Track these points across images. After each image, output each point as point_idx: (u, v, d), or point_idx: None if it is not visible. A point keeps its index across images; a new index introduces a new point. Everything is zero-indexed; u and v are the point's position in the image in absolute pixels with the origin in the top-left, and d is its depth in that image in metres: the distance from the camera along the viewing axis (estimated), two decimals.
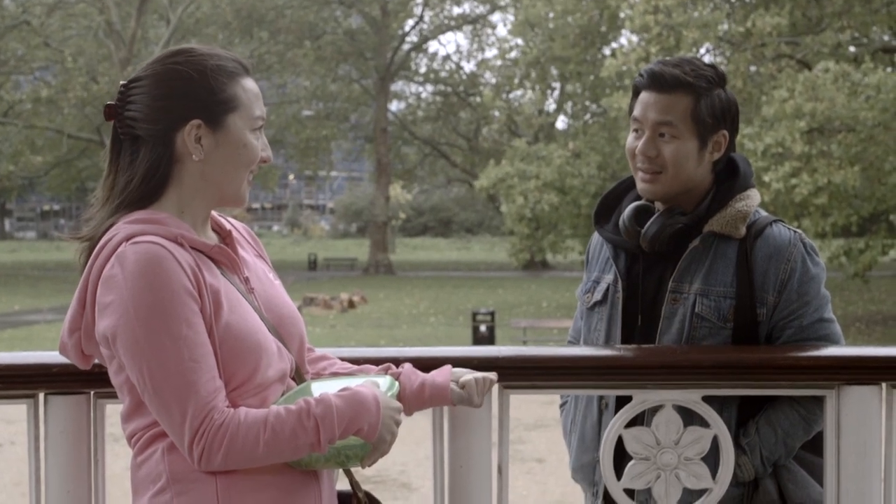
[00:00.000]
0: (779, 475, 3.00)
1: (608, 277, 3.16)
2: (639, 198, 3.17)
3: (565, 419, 3.27)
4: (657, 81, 3.02)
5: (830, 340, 3.00)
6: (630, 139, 3.10)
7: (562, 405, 3.33)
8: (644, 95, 3.06)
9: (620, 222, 3.12)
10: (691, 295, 3.00)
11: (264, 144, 2.47)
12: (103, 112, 2.42)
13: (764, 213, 3.10)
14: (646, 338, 3.06)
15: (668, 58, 3.11)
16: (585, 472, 3.15)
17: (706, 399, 2.86)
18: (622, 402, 2.93)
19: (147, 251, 2.24)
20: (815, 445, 3.00)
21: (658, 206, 3.13)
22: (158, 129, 2.36)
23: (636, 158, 3.07)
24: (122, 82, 2.43)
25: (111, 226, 2.34)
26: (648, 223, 3.05)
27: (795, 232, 3.04)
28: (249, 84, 2.44)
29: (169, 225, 2.33)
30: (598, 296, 3.18)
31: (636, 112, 3.07)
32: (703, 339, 2.98)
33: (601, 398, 3.09)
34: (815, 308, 3.00)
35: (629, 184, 3.24)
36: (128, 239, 2.27)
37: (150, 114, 2.36)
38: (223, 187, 2.42)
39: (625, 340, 3.09)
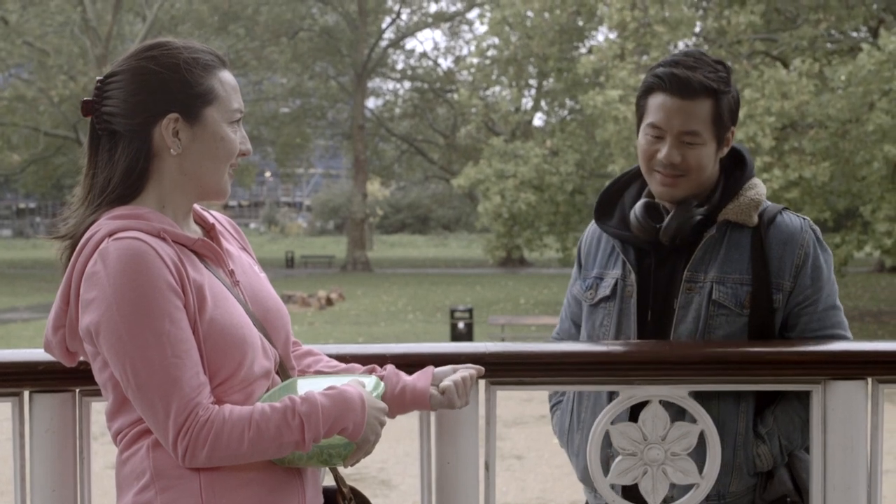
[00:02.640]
0: (792, 464, 3.03)
1: (615, 273, 3.14)
2: (640, 193, 3.17)
3: (561, 420, 3.24)
4: (682, 88, 2.96)
5: (842, 328, 3.03)
6: (645, 142, 3.04)
7: (553, 406, 3.31)
8: (664, 100, 2.99)
9: (633, 218, 3.09)
10: (707, 283, 3.00)
11: (243, 137, 2.46)
12: (80, 108, 2.41)
13: (769, 201, 3.11)
14: (659, 332, 3.05)
15: (678, 56, 3.04)
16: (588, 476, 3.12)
17: (707, 393, 2.87)
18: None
19: (129, 247, 2.24)
20: None
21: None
22: (136, 123, 2.35)
23: (655, 163, 3.03)
24: (98, 78, 2.43)
25: (93, 222, 2.33)
26: (668, 218, 3.04)
27: (804, 219, 3.07)
28: (226, 77, 2.44)
29: (151, 220, 2.32)
30: (605, 291, 3.15)
31: (656, 118, 3.01)
32: (719, 328, 2.98)
33: (611, 393, 3.04)
34: (828, 294, 3.02)
35: (628, 179, 3.23)
36: (110, 235, 2.27)
37: (127, 108, 2.36)
38: (203, 181, 2.41)
39: (638, 336, 3.07)
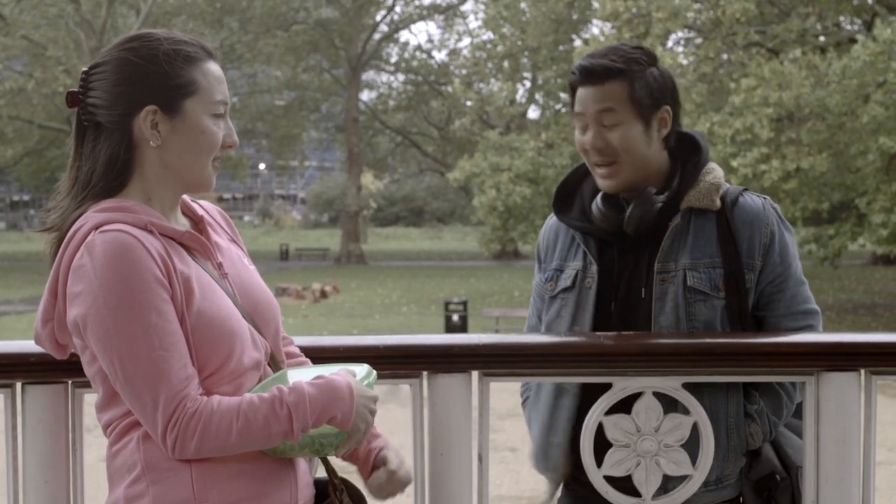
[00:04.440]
0: (775, 442, 3.06)
1: (575, 264, 3.16)
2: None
3: (529, 412, 3.27)
4: (589, 75, 3.06)
5: (812, 302, 3.08)
6: (578, 135, 3.13)
7: (524, 401, 3.33)
8: (580, 91, 3.09)
9: (595, 210, 3.12)
10: (679, 271, 3.02)
11: (229, 129, 2.44)
12: (66, 99, 2.41)
13: (727, 184, 3.15)
14: (624, 323, 3.07)
15: (596, 51, 3.15)
16: (541, 458, 3.17)
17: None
18: (586, 386, 2.97)
19: (115, 240, 2.23)
20: (797, 409, 3.07)
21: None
22: (117, 115, 2.35)
23: (588, 153, 3.10)
24: (83, 69, 2.42)
25: (80, 215, 2.33)
26: (631, 207, 3.06)
27: (765, 198, 3.11)
28: (211, 68, 2.41)
29: (138, 212, 2.31)
30: (565, 282, 3.16)
31: (577, 108, 3.10)
32: (699, 314, 2.99)
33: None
34: (795, 269, 3.07)
35: (585, 171, 3.25)
36: (96, 228, 2.26)
37: (108, 100, 2.35)
38: (184, 174, 2.40)
39: (600, 326, 3.08)
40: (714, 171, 3.11)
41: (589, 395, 2.97)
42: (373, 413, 2.41)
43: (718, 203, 3.06)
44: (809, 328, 3.04)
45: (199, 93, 2.38)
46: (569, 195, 3.26)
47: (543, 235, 3.32)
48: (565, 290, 3.16)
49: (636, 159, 3.06)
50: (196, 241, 2.40)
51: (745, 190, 3.11)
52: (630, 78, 3.03)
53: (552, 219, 3.30)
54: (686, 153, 3.15)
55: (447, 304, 22.92)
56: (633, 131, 3.04)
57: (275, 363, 2.48)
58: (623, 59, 3.05)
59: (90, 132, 2.38)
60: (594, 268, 3.11)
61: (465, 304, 22.82)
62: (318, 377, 2.35)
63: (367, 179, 64.78)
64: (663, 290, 3.02)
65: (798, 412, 3.06)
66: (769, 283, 3.03)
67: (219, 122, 2.41)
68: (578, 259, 3.16)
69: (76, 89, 2.39)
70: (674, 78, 3.15)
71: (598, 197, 3.13)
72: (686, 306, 2.99)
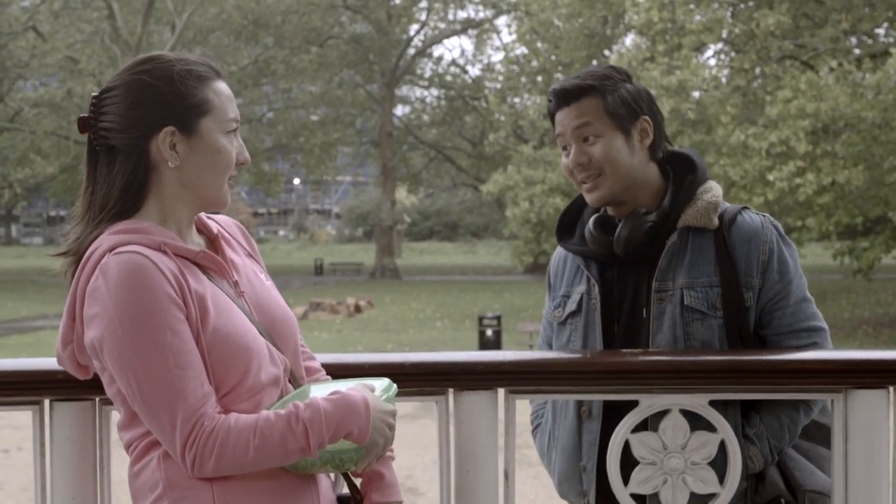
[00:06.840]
0: (783, 465, 3.03)
1: (580, 288, 3.18)
2: (598, 210, 3.21)
3: (541, 441, 3.27)
4: (563, 97, 3.10)
5: (817, 319, 3.05)
6: (563, 160, 3.15)
7: (534, 429, 3.33)
8: (558, 115, 3.13)
9: (587, 233, 3.15)
10: (677, 290, 3.02)
11: (240, 146, 2.46)
12: (77, 125, 2.42)
13: (726, 203, 3.14)
14: (628, 342, 3.07)
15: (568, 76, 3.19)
16: (572, 483, 3.14)
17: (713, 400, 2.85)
18: (609, 409, 2.98)
19: (129, 261, 2.24)
20: (807, 432, 3.05)
21: (611, 211, 3.17)
22: (132, 137, 2.36)
23: (574, 174, 3.11)
24: (93, 94, 2.43)
25: (96, 237, 2.34)
26: (619, 227, 3.08)
27: (765, 216, 3.10)
28: (221, 87, 2.44)
29: (152, 233, 2.33)
30: (572, 307, 3.18)
31: (557, 131, 3.13)
32: (697, 333, 2.99)
33: (580, 407, 3.09)
34: (797, 286, 3.05)
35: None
36: (111, 250, 2.28)
37: (123, 123, 2.36)
38: (202, 192, 2.42)
39: (606, 347, 3.09)
40: (712, 190, 3.11)
41: (613, 417, 2.96)
42: (391, 427, 2.41)
43: (716, 222, 3.05)
44: (814, 346, 3.02)
45: (214, 111, 2.40)
46: (572, 222, 3.29)
47: (552, 264, 3.35)
48: (572, 313, 3.18)
49: (620, 170, 3.07)
50: (211, 261, 2.41)
51: (745, 208, 3.11)
52: (602, 92, 3.07)
53: (560, 248, 3.32)
54: (682, 172, 3.15)
55: (481, 318, 22.87)
56: (614, 143, 3.06)
57: (294, 379, 2.49)
58: (593, 76, 3.09)
59: (103, 156, 2.39)
60: (597, 289, 3.12)
61: (498, 318, 22.77)
62: (334, 392, 2.35)
63: (402, 194, 64.88)
64: (661, 308, 3.02)
65: (805, 434, 3.05)
66: (769, 300, 3.01)
67: (232, 139, 2.43)
68: (582, 283, 3.18)
69: (87, 114, 2.41)
70: (650, 92, 3.17)
71: (591, 220, 3.15)
72: (684, 325, 2.99)
